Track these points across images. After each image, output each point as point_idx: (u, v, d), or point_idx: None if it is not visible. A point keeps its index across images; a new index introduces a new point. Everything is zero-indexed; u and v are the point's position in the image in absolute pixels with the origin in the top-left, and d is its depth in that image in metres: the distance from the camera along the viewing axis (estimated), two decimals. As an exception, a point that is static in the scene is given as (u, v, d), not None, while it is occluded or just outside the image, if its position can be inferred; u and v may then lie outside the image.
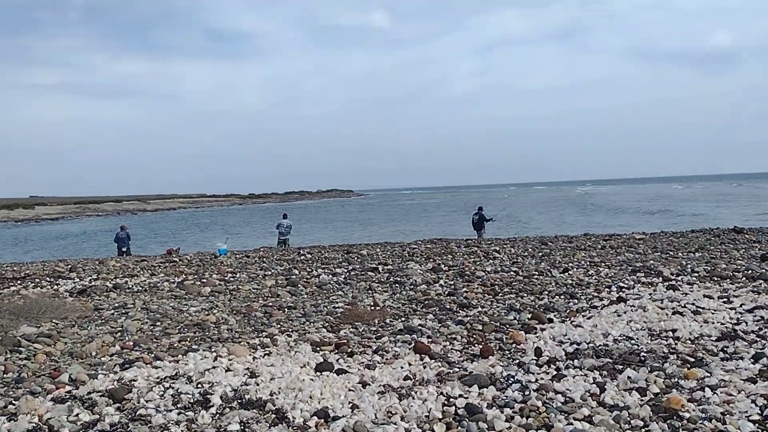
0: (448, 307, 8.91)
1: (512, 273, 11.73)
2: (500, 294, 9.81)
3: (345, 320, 8.18)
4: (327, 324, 8.11)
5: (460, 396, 5.16)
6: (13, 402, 5.22)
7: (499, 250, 16.70)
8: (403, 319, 8.28)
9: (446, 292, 9.95)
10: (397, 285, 10.81)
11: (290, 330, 7.91)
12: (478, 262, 13.58)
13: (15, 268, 18.02)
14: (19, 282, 12.92)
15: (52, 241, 47.13)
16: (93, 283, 12.43)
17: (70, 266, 17.83)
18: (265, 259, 17.33)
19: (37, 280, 13.28)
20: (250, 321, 8.52)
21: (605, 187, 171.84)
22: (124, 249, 25.20)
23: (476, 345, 6.90)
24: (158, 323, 8.56)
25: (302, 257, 17.38)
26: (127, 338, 7.85)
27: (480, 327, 7.64)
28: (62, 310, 9.34)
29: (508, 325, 7.72)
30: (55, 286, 12.28)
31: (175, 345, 7.34)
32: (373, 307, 8.97)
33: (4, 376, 6.27)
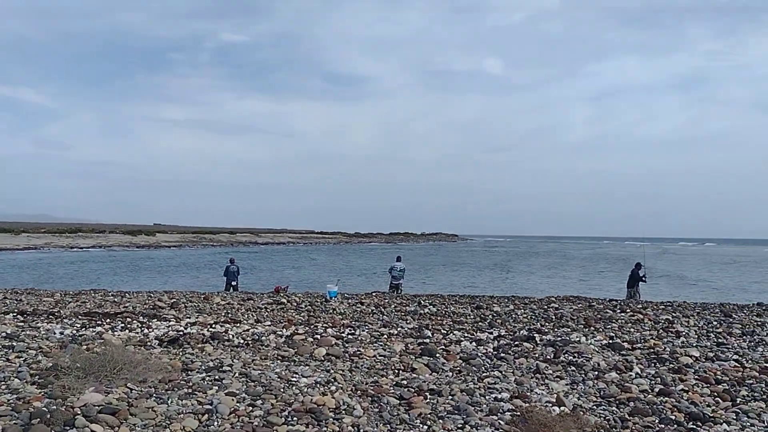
0: (672, 417, 6.00)
1: (734, 363, 8.52)
2: (739, 400, 6.73)
3: (525, 431, 5.49)
4: (500, 435, 5.46)
5: None
6: None
7: (671, 319, 13.38)
8: (614, 437, 5.48)
9: (655, 389, 6.98)
10: (573, 369, 7.94)
11: (444, 438, 5.34)
12: (666, 339, 10.38)
13: (116, 300, 16.80)
14: (109, 321, 11.23)
15: (164, 267, 47.65)
16: (189, 329, 10.50)
17: (172, 301, 16.39)
18: (383, 309, 14.97)
19: (129, 318, 11.55)
20: (381, 412, 6.03)
21: (728, 246, 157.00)
22: (233, 283, 23.98)
23: None
24: (259, 401, 6.29)
25: (426, 310, 14.86)
26: (215, 424, 5.63)
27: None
28: (143, 368, 7.32)
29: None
30: (147, 329, 10.45)
31: (280, 450, 4.99)
32: (558, 408, 6.20)
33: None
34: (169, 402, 6.20)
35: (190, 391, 6.65)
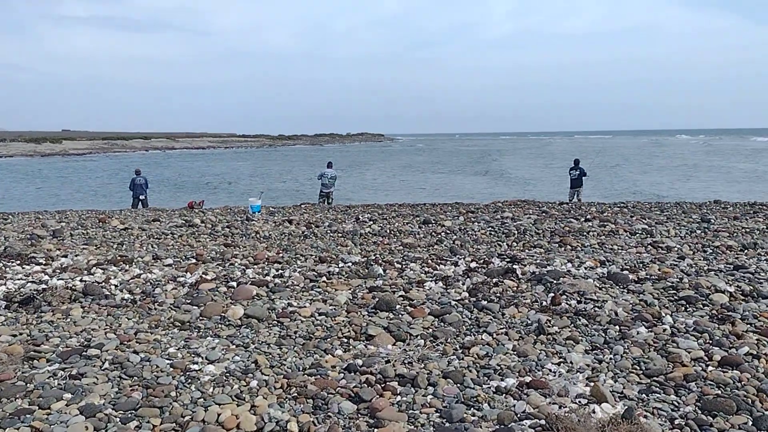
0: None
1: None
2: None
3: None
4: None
5: None
6: None
7: (649, 230, 11.69)
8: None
9: (713, 356, 4.97)
10: (585, 323, 5.82)
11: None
12: (669, 263, 8.47)
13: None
14: (-55, 269, 8.28)
15: (67, 180, 43.10)
16: (56, 278, 7.77)
17: (59, 226, 13.43)
18: (316, 229, 12.60)
19: (-21, 264, 8.64)
20: (333, 436, 3.77)
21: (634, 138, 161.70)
22: (142, 197, 21.18)
23: None
24: (134, 421, 3.91)
25: (367, 229, 12.59)
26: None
27: None
28: (-46, 365, 4.73)
29: None
30: (-4, 282, 7.66)
31: None
32: (599, 407, 4.11)
33: None
34: (-22, 438, 3.73)
35: (24, 405, 4.18)
